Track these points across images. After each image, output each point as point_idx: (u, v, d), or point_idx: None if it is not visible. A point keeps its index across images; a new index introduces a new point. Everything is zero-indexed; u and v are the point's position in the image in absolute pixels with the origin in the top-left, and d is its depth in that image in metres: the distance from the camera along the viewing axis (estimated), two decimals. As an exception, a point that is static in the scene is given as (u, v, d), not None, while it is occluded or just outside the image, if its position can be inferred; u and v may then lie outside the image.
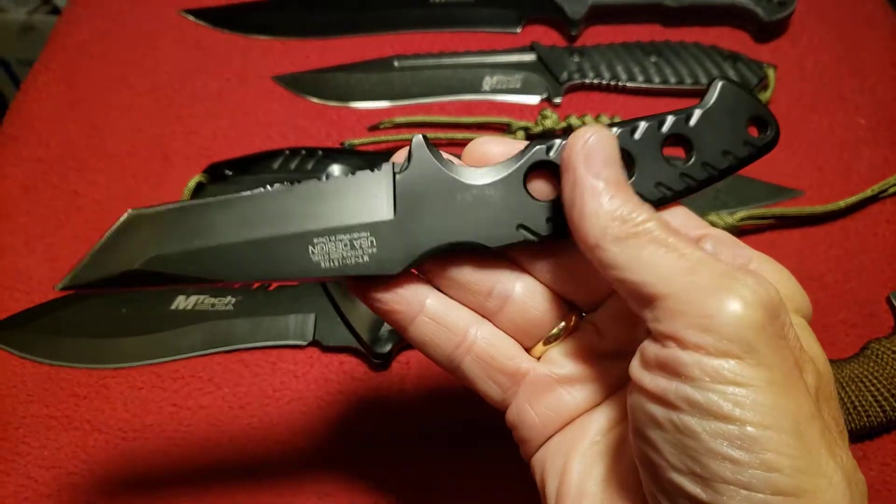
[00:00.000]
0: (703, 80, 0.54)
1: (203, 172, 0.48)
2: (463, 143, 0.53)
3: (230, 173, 0.48)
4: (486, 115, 0.54)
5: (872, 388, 0.37)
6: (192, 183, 0.47)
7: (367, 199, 0.25)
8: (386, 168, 0.26)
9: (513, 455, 0.39)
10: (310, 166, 0.48)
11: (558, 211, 0.25)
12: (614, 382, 0.26)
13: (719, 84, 0.25)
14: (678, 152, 0.26)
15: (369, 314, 0.43)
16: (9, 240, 0.48)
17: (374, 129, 0.54)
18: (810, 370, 0.21)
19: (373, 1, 0.61)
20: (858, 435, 0.39)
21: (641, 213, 0.22)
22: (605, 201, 0.22)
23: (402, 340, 0.43)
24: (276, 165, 0.48)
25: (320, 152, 0.49)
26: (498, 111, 0.55)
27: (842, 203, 0.48)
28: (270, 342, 0.43)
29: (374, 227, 0.25)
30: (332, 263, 0.25)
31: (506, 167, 0.25)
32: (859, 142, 0.53)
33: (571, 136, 0.23)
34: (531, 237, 0.25)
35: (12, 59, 1.04)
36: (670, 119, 0.25)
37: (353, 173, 0.26)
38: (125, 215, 0.26)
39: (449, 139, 0.52)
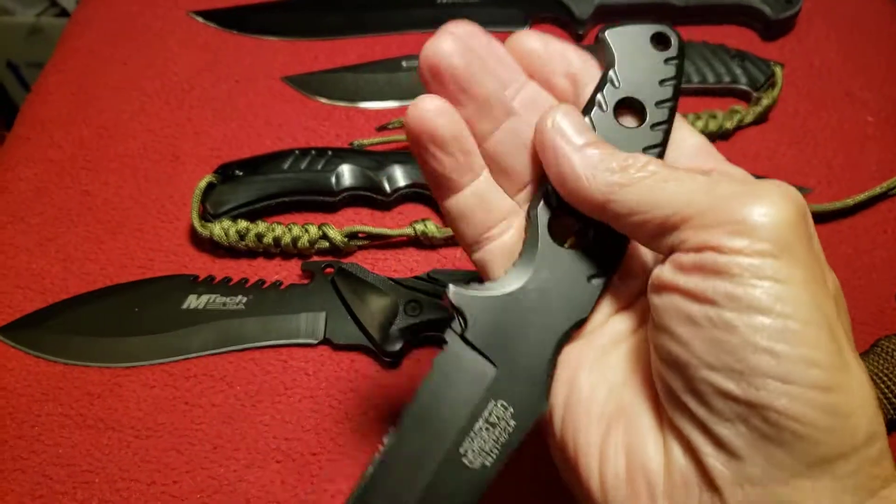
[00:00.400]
0: (711, 79, 0.54)
1: (214, 173, 0.48)
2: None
3: (240, 173, 0.48)
4: (493, 114, 0.54)
5: (882, 386, 0.37)
6: (202, 183, 0.47)
7: (464, 377, 0.24)
8: (452, 337, 0.25)
9: (523, 451, 0.40)
10: (319, 166, 0.48)
11: (599, 238, 0.25)
12: (621, 303, 0.26)
13: (608, 37, 0.26)
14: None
15: (379, 312, 0.43)
16: (22, 240, 0.49)
17: (383, 129, 0.54)
18: (830, 278, 0.22)
19: (380, 2, 0.61)
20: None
21: (639, 159, 0.22)
22: (596, 160, 0.23)
23: (413, 338, 0.43)
24: (285, 166, 0.48)
25: (330, 152, 0.49)
26: (506, 111, 0.55)
27: (850, 201, 0.48)
28: (282, 341, 0.44)
29: (493, 393, 0.24)
30: (491, 455, 0.24)
31: (531, 244, 0.25)
32: (867, 139, 0.53)
33: (538, 122, 0.24)
34: (605, 278, 0.25)
35: (21, 61, 1.05)
36: (601, 98, 0.25)
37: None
38: None
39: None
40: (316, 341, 0.44)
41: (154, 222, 0.50)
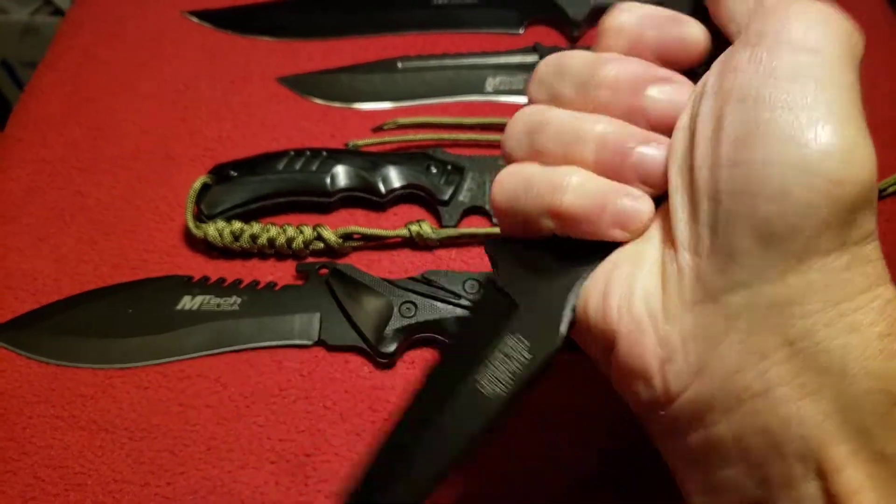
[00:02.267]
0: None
1: (208, 173, 0.48)
2: (466, 145, 0.53)
3: (235, 174, 0.48)
4: (489, 115, 0.54)
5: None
6: (197, 184, 0.47)
7: (488, 317, 0.26)
8: (488, 288, 0.27)
9: (509, 451, 0.40)
10: (314, 167, 0.48)
11: None
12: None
13: None
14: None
15: (374, 313, 0.43)
16: (14, 241, 0.49)
17: (378, 129, 0.54)
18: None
19: (376, 2, 0.61)
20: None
21: None
22: None
23: (408, 339, 0.43)
24: (280, 166, 0.48)
25: (324, 153, 0.49)
26: (501, 112, 0.55)
27: (843, 202, 0.48)
28: (276, 342, 0.43)
29: (511, 328, 0.25)
30: (505, 385, 0.25)
31: None
32: (860, 142, 0.53)
33: None
34: None
35: (15, 60, 1.04)
36: None
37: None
38: None
39: (452, 140, 0.53)
40: (310, 342, 0.43)
41: (148, 223, 0.50)
